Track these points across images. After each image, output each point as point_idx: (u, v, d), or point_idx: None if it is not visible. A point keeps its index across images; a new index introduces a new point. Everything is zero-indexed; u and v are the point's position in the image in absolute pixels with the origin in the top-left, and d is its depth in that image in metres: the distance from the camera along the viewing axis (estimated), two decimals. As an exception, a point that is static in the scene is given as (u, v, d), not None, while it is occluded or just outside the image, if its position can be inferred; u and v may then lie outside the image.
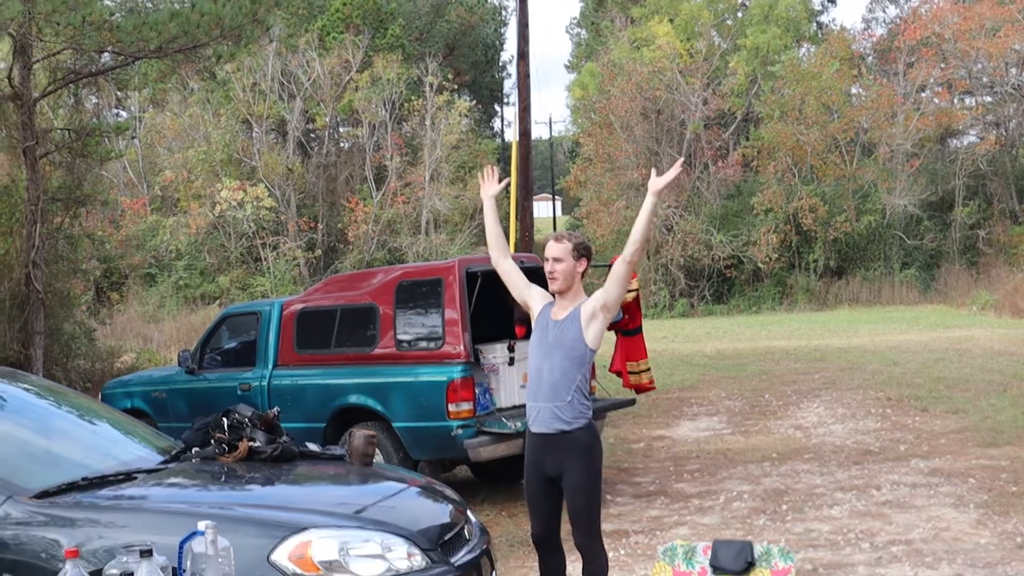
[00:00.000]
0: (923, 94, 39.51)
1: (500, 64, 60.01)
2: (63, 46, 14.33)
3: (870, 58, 43.56)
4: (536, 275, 9.20)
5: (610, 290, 5.62)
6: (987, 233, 37.46)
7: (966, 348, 20.30)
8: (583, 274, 5.77)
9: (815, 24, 47.33)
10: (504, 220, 38.31)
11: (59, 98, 16.88)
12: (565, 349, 5.60)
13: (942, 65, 39.04)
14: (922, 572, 6.94)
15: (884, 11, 49.34)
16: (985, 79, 39.97)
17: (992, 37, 37.27)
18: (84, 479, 4.97)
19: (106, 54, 15.51)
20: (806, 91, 37.93)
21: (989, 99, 40.86)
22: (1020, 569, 6.90)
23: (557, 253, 5.69)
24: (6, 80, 14.61)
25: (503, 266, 5.96)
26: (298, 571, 4.46)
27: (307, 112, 40.32)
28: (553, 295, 5.80)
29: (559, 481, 5.67)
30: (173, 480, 5.31)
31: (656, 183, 5.64)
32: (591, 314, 5.60)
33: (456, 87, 42.52)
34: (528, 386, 5.78)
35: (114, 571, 3.27)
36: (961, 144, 40.95)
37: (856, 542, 7.74)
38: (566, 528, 5.80)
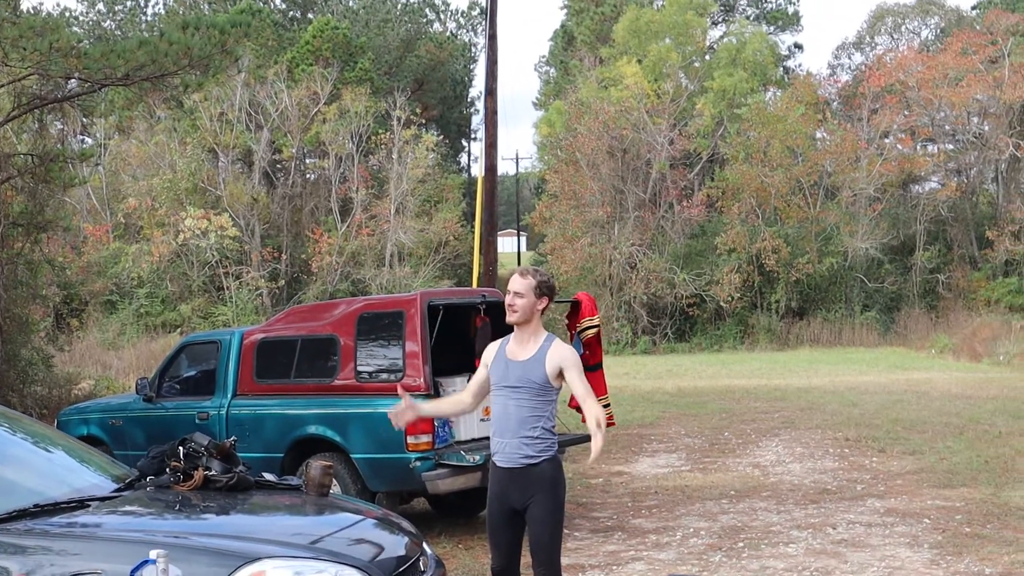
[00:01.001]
0: (886, 140, 40.06)
1: (468, 100, 60.35)
2: (29, 71, 14.26)
3: (835, 103, 44.17)
4: (498, 308, 9.23)
5: (572, 381, 5.68)
6: (947, 278, 37.91)
7: (924, 390, 20.49)
8: (543, 311, 5.82)
9: (782, 69, 47.99)
10: (468, 254, 38.53)
11: (23, 123, 16.81)
12: (531, 388, 5.64)
13: (905, 112, 39.62)
14: (875, 611, 6.98)
15: (850, 58, 50.17)
16: (947, 127, 40.59)
17: (955, 86, 37.88)
18: (36, 506, 4.93)
19: (72, 80, 15.44)
20: (771, 134, 38.35)
21: (951, 146, 41.47)
22: (971, 609, 6.96)
23: (520, 288, 5.73)
24: (-30, 104, 14.57)
25: (473, 400, 6.00)
26: (251, 601, 4.44)
27: (274, 143, 40.31)
28: (507, 329, 5.85)
29: (523, 513, 5.69)
30: (127, 508, 5.27)
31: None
32: (556, 373, 5.65)
33: (424, 121, 42.72)
34: (493, 422, 5.79)
35: (63, 597, 3.25)
36: (923, 190, 41.51)
37: (811, 581, 7.78)
38: (525, 560, 5.80)
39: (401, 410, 5.91)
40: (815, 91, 41.86)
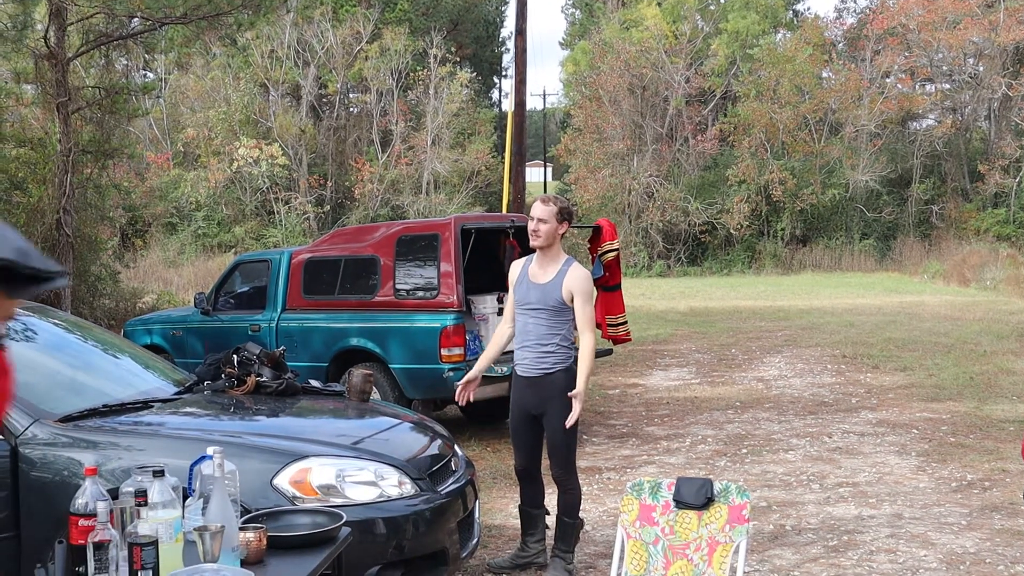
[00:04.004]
0: (887, 79, 39.40)
1: (500, 39, 59.50)
2: (96, 10, 14.18)
3: (840, 45, 43.33)
4: (525, 232, 9.19)
5: (577, 308, 5.67)
6: (940, 208, 37.52)
7: (916, 312, 20.39)
8: (563, 235, 5.81)
9: (791, 12, 47.05)
10: (498, 183, 38.36)
11: (91, 58, 16.74)
12: (549, 309, 5.66)
13: (906, 53, 38.90)
14: (865, 511, 7.00)
15: (855, 1, 49.01)
16: (945, 67, 39.83)
17: (952, 29, 37.13)
18: (105, 406, 4.97)
19: (135, 19, 15.34)
20: (781, 73, 37.81)
21: (947, 86, 40.74)
22: (953, 510, 6.97)
23: (542, 215, 5.71)
24: (43, 40, 14.49)
25: (511, 327, 5.93)
26: (298, 494, 4.49)
27: (320, 78, 40.06)
28: (532, 251, 5.85)
29: (541, 419, 5.73)
30: (186, 409, 5.32)
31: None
32: (570, 296, 5.65)
33: (458, 60, 42.23)
34: (516, 337, 5.83)
35: (129, 489, 3.28)
36: (920, 126, 40.90)
37: (807, 483, 7.81)
38: (545, 463, 5.85)
39: (463, 386, 5.94)
40: (822, 33, 41.14)
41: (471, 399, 6.00)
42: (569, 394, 5.55)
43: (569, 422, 5.55)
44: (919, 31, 37.79)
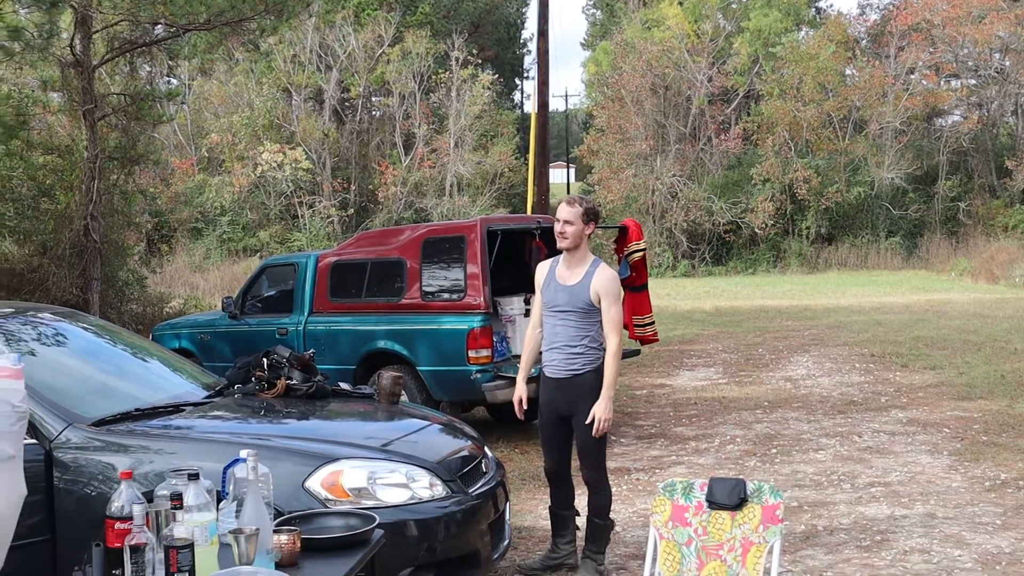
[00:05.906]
0: (912, 76, 39.16)
1: (521, 41, 59.52)
2: (120, 18, 14.27)
3: (864, 42, 43.10)
4: (551, 233, 9.20)
5: (605, 310, 5.64)
6: (967, 205, 37.26)
7: (944, 310, 20.24)
8: (589, 236, 5.80)
9: (814, 9, 46.85)
10: (521, 184, 38.41)
11: (116, 66, 16.81)
12: (578, 310, 5.64)
13: (931, 49, 38.65)
14: (897, 511, 6.95)
15: (878, -3, 48.73)
16: (970, 63, 39.55)
17: (978, 24, 36.86)
18: (137, 410, 4.99)
19: (159, 26, 15.42)
20: (804, 71, 37.66)
21: (973, 82, 40.44)
22: (987, 509, 6.90)
23: (568, 216, 5.69)
24: (68, 49, 14.57)
25: (542, 329, 5.92)
26: (330, 497, 4.49)
27: (342, 82, 40.17)
28: (559, 252, 5.83)
29: (570, 420, 5.71)
30: (217, 413, 5.33)
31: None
32: (598, 298, 5.62)
33: (480, 62, 42.27)
34: (545, 338, 5.81)
35: (164, 492, 3.29)
36: (946, 123, 40.64)
37: (838, 483, 7.76)
38: (575, 464, 5.83)
39: (518, 402, 5.96)
40: (845, 30, 40.94)
41: (524, 407, 5.99)
42: (592, 410, 5.55)
43: (596, 432, 5.54)
44: (944, 26, 37.54)
